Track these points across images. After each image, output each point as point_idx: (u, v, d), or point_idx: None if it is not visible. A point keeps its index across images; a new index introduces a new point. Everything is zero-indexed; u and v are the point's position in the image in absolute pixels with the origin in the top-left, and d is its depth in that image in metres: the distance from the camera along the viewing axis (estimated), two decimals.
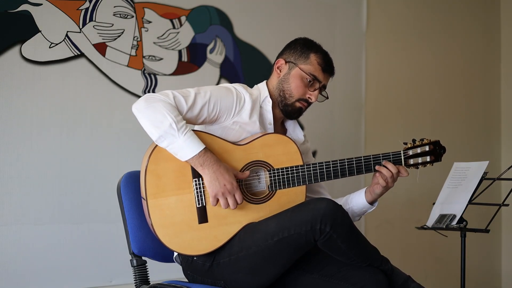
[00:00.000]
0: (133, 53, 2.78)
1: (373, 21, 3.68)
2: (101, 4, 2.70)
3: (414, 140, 2.09)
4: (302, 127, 2.27)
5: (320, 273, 1.94)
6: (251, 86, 2.16)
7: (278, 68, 2.14)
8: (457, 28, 4.15)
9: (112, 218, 2.58)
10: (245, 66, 3.12)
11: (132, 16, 2.78)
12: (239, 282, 1.91)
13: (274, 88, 2.13)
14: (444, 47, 4.06)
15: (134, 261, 2.03)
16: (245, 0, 3.15)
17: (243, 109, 2.02)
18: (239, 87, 2.05)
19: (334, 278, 1.91)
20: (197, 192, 1.90)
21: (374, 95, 3.67)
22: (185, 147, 1.84)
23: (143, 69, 2.81)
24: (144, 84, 2.81)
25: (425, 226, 2.57)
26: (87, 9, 2.67)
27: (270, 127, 2.09)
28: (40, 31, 2.54)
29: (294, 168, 1.99)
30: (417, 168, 2.09)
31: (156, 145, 1.88)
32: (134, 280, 2.03)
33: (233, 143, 1.98)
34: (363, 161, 2.03)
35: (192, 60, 2.96)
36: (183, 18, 2.94)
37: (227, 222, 1.92)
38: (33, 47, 2.53)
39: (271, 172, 1.98)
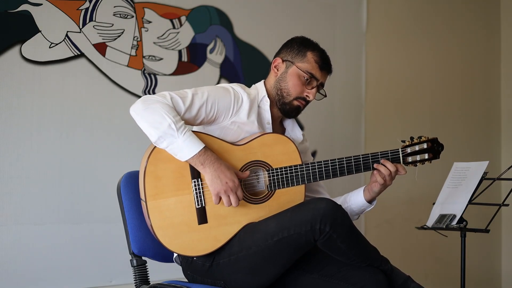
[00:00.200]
0: (133, 53, 2.78)
1: (373, 21, 3.67)
2: (101, 4, 2.70)
3: (412, 138, 2.08)
4: (301, 127, 2.26)
5: (320, 273, 1.94)
6: (251, 86, 2.15)
7: (275, 67, 2.14)
8: (457, 28, 4.15)
9: (112, 218, 2.58)
10: (245, 66, 3.11)
11: (132, 16, 2.78)
12: (239, 282, 1.90)
13: (272, 87, 2.12)
14: (444, 47, 4.06)
15: (134, 261, 2.03)
16: (245, 0, 3.14)
17: (241, 109, 2.02)
18: (236, 87, 2.05)
19: (334, 278, 1.91)
20: (196, 193, 1.90)
21: (374, 95, 3.67)
22: (185, 147, 1.84)
23: (143, 69, 2.81)
24: (144, 84, 2.80)
25: (425, 226, 2.57)
26: (87, 9, 2.67)
27: (269, 127, 2.09)
28: (40, 31, 2.55)
29: (293, 168, 1.99)
30: (416, 166, 2.08)
31: (155, 147, 1.87)
32: (134, 280, 2.03)
33: (232, 143, 1.97)
34: (361, 159, 2.03)
35: (192, 60, 2.95)
36: (183, 18, 2.94)
37: (227, 223, 1.91)
38: (33, 47, 2.53)
39: (270, 172, 1.98)
